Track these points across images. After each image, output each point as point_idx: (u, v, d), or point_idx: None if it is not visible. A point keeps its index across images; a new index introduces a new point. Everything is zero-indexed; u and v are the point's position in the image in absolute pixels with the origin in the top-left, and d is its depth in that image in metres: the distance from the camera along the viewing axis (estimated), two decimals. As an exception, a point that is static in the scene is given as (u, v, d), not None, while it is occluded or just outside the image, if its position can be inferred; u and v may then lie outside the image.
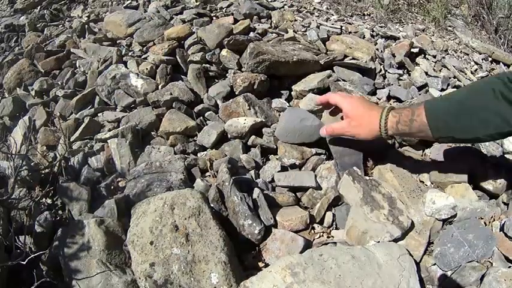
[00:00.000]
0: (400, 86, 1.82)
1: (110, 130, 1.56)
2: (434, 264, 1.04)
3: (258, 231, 1.07)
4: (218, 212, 1.13)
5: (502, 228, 1.08)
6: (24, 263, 0.97)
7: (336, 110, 1.26)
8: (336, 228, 1.18)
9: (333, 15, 2.57)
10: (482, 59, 2.38)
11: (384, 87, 1.78)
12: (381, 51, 2.07)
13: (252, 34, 2.00)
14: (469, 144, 1.36)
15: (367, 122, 1.08)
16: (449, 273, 1.01)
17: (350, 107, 1.12)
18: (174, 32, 1.93)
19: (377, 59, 1.96)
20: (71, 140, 1.56)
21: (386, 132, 1.05)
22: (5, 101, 1.90)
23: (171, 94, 1.61)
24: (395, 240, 1.06)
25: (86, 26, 2.35)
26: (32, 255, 0.99)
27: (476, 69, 2.26)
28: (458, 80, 1.99)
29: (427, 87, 1.88)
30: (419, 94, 1.81)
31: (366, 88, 1.72)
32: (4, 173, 1.41)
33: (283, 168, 1.32)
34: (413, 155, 1.36)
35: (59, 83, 1.95)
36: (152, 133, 1.55)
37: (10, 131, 1.81)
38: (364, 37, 2.19)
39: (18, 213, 1.23)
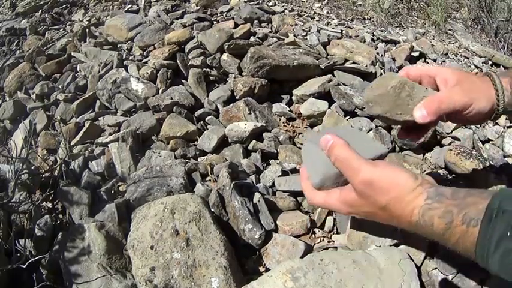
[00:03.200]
0: (400, 90, 1.82)
1: (110, 134, 1.56)
2: (436, 268, 1.04)
3: (259, 236, 1.06)
4: (219, 216, 1.13)
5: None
6: (24, 266, 0.97)
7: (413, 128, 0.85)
8: (337, 233, 1.17)
9: (333, 19, 2.58)
10: (482, 63, 2.39)
11: (384, 91, 1.78)
12: (382, 55, 2.07)
13: (252, 38, 2.00)
14: (470, 147, 1.36)
15: (479, 86, 0.77)
16: (450, 277, 1.01)
17: (450, 70, 0.79)
18: (174, 36, 1.94)
19: (377, 63, 1.96)
20: (72, 143, 1.56)
21: (504, 97, 0.75)
22: (6, 105, 1.90)
23: (171, 98, 1.61)
24: (396, 245, 1.06)
25: (87, 30, 2.35)
26: (32, 259, 0.99)
27: (477, 73, 2.26)
28: (458, 84, 1.99)
29: (427, 91, 1.88)
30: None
31: (366, 92, 1.72)
32: (4, 177, 1.41)
33: (284, 173, 1.32)
34: (414, 159, 1.36)
35: (60, 86, 1.95)
36: (153, 137, 1.55)
37: (11, 135, 1.82)
38: (364, 41, 2.20)
39: (19, 217, 1.23)
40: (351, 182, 0.72)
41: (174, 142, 1.47)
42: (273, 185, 1.28)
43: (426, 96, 0.75)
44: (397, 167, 0.70)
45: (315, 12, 2.67)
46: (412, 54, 2.12)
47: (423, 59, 2.16)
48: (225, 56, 1.80)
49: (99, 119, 1.70)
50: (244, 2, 2.54)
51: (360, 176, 0.69)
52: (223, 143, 1.46)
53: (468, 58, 2.43)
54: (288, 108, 1.63)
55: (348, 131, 0.96)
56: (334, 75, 1.80)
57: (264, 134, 1.46)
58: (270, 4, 2.61)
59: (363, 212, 0.75)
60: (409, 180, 0.66)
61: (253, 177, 1.31)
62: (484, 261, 0.54)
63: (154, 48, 1.98)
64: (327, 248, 1.10)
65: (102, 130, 1.63)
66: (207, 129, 1.54)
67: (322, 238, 1.15)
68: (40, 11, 2.85)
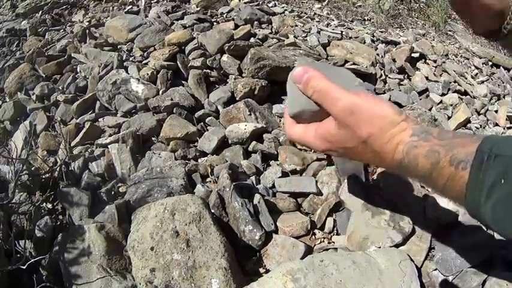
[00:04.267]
0: (400, 91, 1.83)
1: (110, 135, 1.56)
2: (436, 269, 1.04)
3: (259, 237, 1.06)
4: (219, 217, 1.13)
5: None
6: (24, 267, 0.97)
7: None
8: (337, 234, 1.17)
9: (333, 20, 2.58)
10: (482, 63, 2.39)
11: (384, 93, 1.79)
12: (382, 56, 2.07)
13: (252, 39, 2.00)
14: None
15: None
16: (450, 278, 1.01)
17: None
18: (174, 37, 1.94)
19: (377, 64, 1.96)
20: (72, 144, 1.56)
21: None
22: (6, 105, 1.90)
23: (171, 99, 1.61)
24: (397, 246, 1.06)
25: (87, 31, 2.35)
26: (32, 260, 0.99)
27: (477, 74, 2.27)
28: (458, 84, 2.00)
29: (427, 92, 1.88)
30: (420, 99, 1.81)
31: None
32: (5, 178, 1.41)
33: (284, 174, 1.32)
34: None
35: (60, 87, 1.95)
36: (153, 138, 1.55)
37: (11, 136, 1.81)
38: (364, 42, 2.20)
39: (19, 218, 1.23)
40: (330, 112, 0.64)
41: (174, 143, 1.47)
42: (273, 186, 1.28)
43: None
44: (381, 99, 0.63)
45: (315, 13, 2.68)
46: (412, 55, 2.12)
47: (423, 60, 2.16)
48: (225, 57, 1.80)
49: (99, 120, 1.70)
50: (245, 3, 2.54)
51: (340, 104, 0.62)
52: (224, 144, 1.46)
53: (468, 59, 2.44)
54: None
55: (327, 67, 0.87)
56: (334, 76, 1.79)
57: (264, 135, 1.46)
58: (270, 5, 2.61)
59: (342, 148, 0.66)
60: (393, 113, 0.60)
61: (253, 178, 1.31)
62: (474, 209, 0.49)
63: (155, 49, 1.98)
64: (327, 249, 1.10)
65: (102, 131, 1.63)
66: (207, 130, 1.54)
67: (322, 239, 1.15)
68: (40, 12, 2.85)
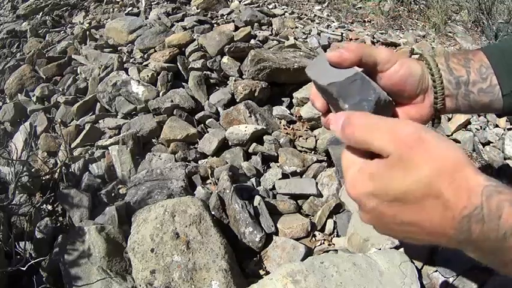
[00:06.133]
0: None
1: (110, 137, 1.57)
2: (436, 271, 1.04)
3: (259, 239, 1.06)
4: (219, 219, 1.13)
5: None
6: (24, 269, 0.97)
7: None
8: (337, 236, 1.17)
9: (333, 22, 2.58)
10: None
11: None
12: (382, 58, 2.07)
13: (252, 41, 2.01)
14: (470, 150, 1.36)
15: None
16: (451, 280, 1.01)
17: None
18: (175, 39, 1.94)
19: (377, 66, 1.96)
20: (72, 146, 1.56)
21: (439, 72, 0.61)
22: (6, 107, 1.91)
23: (172, 101, 1.61)
24: (397, 248, 1.05)
25: (88, 32, 2.36)
26: (32, 261, 0.99)
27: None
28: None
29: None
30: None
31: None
32: (5, 179, 1.41)
33: (284, 176, 1.32)
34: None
35: (60, 89, 1.96)
36: (153, 140, 1.55)
37: (11, 137, 1.82)
38: (364, 44, 2.20)
39: (19, 219, 1.23)
40: (382, 146, 0.43)
41: (174, 145, 1.47)
42: (274, 187, 1.28)
43: None
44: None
45: (315, 15, 2.68)
46: (413, 56, 2.12)
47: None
48: (225, 59, 1.80)
49: (100, 121, 1.70)
50: (245, 4, 2.55)
51: (401, 131, 0.43)
52: (224, 146, 1.46)
53: (468, 61, 2.43)
54: (289, 111, 1.63)
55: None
56: (334, 78, 1.79)
57: (264, 137, 1.46)
58: (270, 7, 2.62)
59: (389, 194, 0.43)
60: (461, 150, 0.41)
61: (253, 180, 1.31)
62: None
63: (155, 51, 1.99)
64: (327, 251, 1.10)
65: (103, 133, 1.64)
66: (208, 132, 1.54)
67: (322, 241, 1.15)
68: (41, 13, 2.85)
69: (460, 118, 1.66)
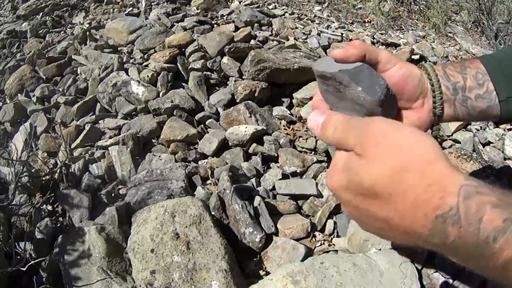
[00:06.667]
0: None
1: (110, 137, 1.57)
2: (436, 271, 1.04)
3: (259, 239, 1.06)
4: (219, 220, 1.13)
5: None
6: (24, 269, 0.97)
7: None
8: (337, 236, 1.17)
9: (333, 22, 2.58)
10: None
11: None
12: (382, 59, 2.07)
13: (253, 42, 2.01)
14: (470, 150, 1.36)
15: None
16: (451, 280, 1.01)
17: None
18: (175, 39, 1.94)
19: (378, 66, 1.96)
20: (72, 146, 1.56)
21: (437, 79, 0.62)
22: (7, 107, 1.91)
23: (172, 102, 1.61)
24: (397, 248, 1.05)
25: (88, 32, 2.36)
26: (32, 262, 0.99)
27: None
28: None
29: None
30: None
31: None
32: (5, 179, 1.41)
33: (284, 176, 1.32)
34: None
35: (60, 89, 1.96)
36: (153, 141, 1.55)
37: (11, 137, 1.82)
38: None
39: (19, 220, 1.23)
40: (355, 142, 0.45)
41: (174, 145, 1.47)
42: (274, 188, 1.28)
43: None
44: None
45: (315, 16, 2.68)
46: (413, 57, 2.12)
47: (423, 62, 2.17)
48: (225, 59, 1.80)
49: (100, 122, 1.70)
50: (245, 5, 2.55)
51: (372, 128, 0.44)
52: (224, 146, 1.46)
53: (468, 61, 2.43)
54: (289, 112, 1.63)
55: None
56: (334, 79, 1.79)
57: (264, 137, 1.46)
58: (270, 7, 2.62)
59: (359, 189, 0.43)
60: (436, 146, 0.41)
61: (253, 180, 1.31)
62: None
63: (155, 51, 1.99)
64: (327, 251, 1.10)
65: (103, 133, 1.64)
66: (208, 132, 1.54)
67: (322, 241, 1.15)
68: (41, 13, 2.86)
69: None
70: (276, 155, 1.39)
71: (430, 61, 2.19)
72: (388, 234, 0.45)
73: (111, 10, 2.76)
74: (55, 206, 1.33)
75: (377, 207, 0.42)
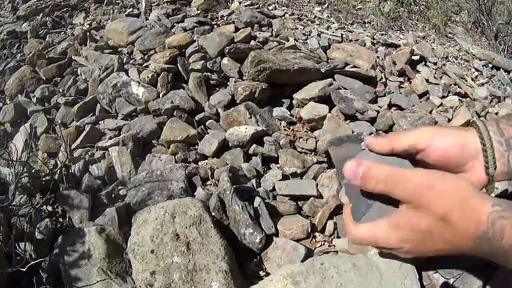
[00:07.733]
0: (401, 93, 1.83)
1: (111, 138, 1.57)
2: (437, 271, 1.04)
3: (259, 240, 1.06)
4: (219, 220, 1.13)
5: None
6: (24, 270, 0.97)
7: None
8: (338, 237, 1.17)
9: (333, 23, 2.58)
10: (482, 66, 2.39)
11: (385, 95, 1.79)
12: (382, 59, 2.07)
13: (253, 42, 2.01)
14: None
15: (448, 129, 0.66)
16: (451, 280, 1.01)
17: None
18: (175, 40, 1.94)
19: (378, 67, 1.96)
20: (72, 147, 1.56)
21: (490, 137, 0.61)
22: (7, 108, 1.91)
23: (172, 102, 1.61)
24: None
25: (88, 33, 2.36)
26: (32, 262, 0.99)
27: (477, 76, 2.27)
28: (459, 87, 2.00)
29: (428, 95, 1.88)
30: (420, 102, 1.81)
31: (367, 96, 1.73)
32: (5, 180, 1.41)
33: (285, 177, 1.32)
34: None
35: (61, 90, 1.96)
36: (153, 141, 1.55)
37: (11, 138, 1.82)
38: (365, 45, 2.20)
39: (19, 220, 1.23)
40: (401, 197, 0.56)
41: (174, 146, 1.47)
42: (274, 189, 1.28)
43: None
44: (451, 174, 0.56)
45: (315, 16, 2.68)
46: (413, 57, 2.12)
47: (423, 63, 2.17)
48: (225, 60, 1.80)
49: (100, 122, 1.70)
50: (245, 6, 2.55)
51: (412, 183, 0.54)
52: (224, 147, 1.46)
53: (468, 61, 2.44)
54: (289, 112, 1.63)
55: (380, 157, 0.66)
56: (334, 79, 1.80)
57: (264, 138, 1.46)
58: (270, 8, 2.62)
59: (417, 233, 0.56)
60: (470, 183, 0.54)
61: (253, 181, 1.31)
62: None
63: (155, 52, 1.99)
64: (327, 252, 1.10)
65: (103, 134, 1.64)
66: (208, 133, 1.54)
67: (322, 242, 1.14)
68: (41, 14, 2.86)
69: (460, 119, 1.66)
70: (276, 155, 1.39)
71: (430, 61, 2.19)
72: (443, 253, 0.62)
73: (111, 11, 2.76)
74: (55, 206, 1.33)
75: (433, 243, 0.58)
